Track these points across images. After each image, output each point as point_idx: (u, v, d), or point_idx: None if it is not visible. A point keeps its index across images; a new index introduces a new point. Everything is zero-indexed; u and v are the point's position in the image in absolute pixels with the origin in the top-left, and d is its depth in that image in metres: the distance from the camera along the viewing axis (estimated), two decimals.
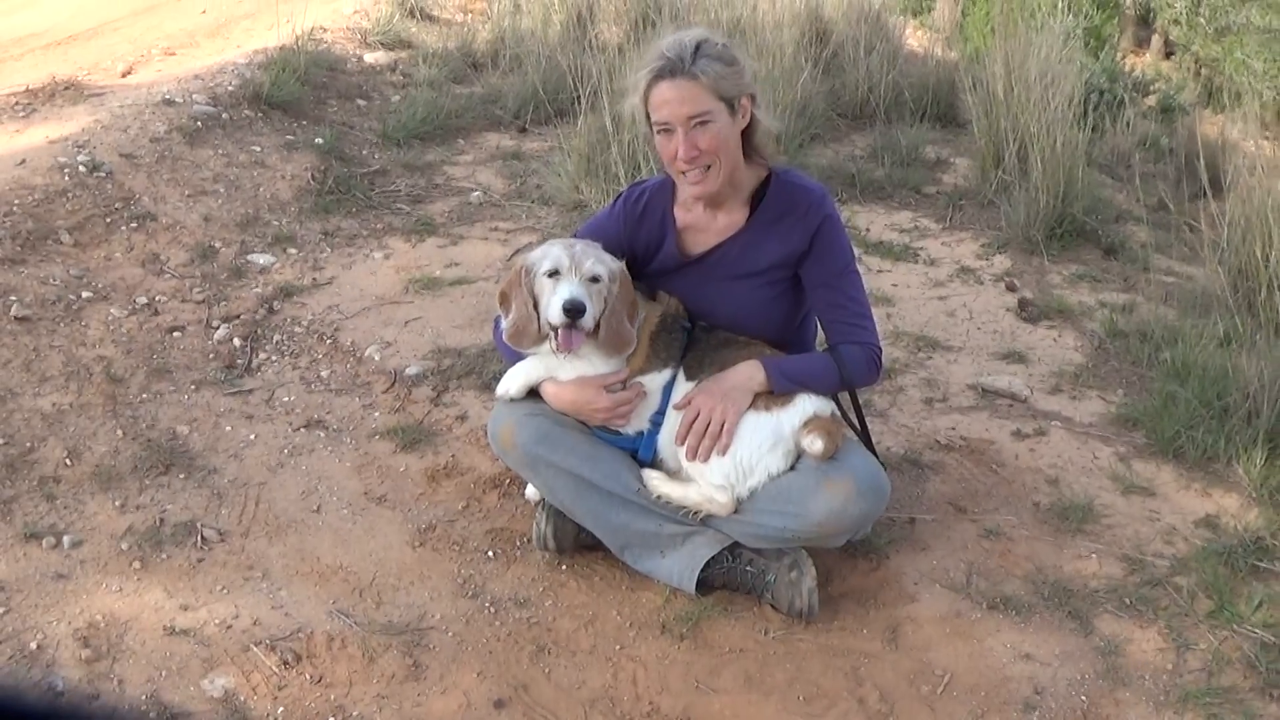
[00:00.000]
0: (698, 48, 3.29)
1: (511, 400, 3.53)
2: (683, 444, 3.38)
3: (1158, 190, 6.99)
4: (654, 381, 3.48)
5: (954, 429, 4.47)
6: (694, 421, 3.37)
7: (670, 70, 3.28)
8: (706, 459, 3.35)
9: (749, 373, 3.40)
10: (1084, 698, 3.19)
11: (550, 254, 3.36)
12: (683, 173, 3.36)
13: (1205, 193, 5.69)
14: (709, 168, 3.34)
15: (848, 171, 7.26)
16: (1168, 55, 14.88)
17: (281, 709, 3.02)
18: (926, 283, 5.84)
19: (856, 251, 5.96)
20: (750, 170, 3.50)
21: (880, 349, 3.54)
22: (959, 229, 6.63)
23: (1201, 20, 13.92)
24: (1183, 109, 10.59)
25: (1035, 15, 8.41)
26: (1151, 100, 10.90)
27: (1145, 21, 15.41)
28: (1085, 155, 6.86)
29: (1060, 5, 8.48)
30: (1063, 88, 6.59)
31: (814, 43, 8.77)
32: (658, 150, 3.44)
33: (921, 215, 6.83)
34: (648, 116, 3.39)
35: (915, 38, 11.45)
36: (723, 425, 3.34)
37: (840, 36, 9.13)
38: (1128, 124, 8.40)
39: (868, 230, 6.50)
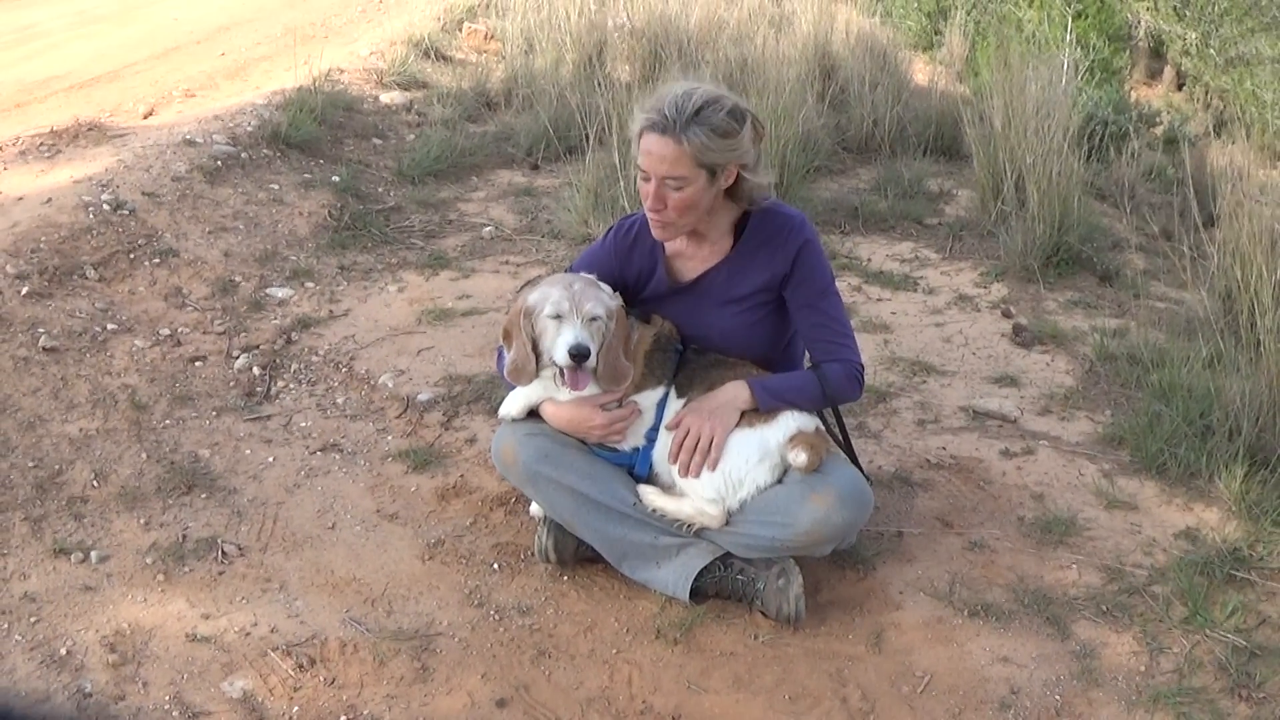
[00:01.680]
0: (698, 111, 3.37)
1: (513, 421, 3.72)
2: (675, 462, 3.56)
3: (1161, 219, 7.14)
4: (648, 399, 3.65)
5: (944, 448, 4.63)
6: (685, 440, 3.55)
7: (661, 127, 3.40)
8: (698, 474, 3.52)
9: (734, 392, 3.57)
10: (1058, 697, 3.34)
11: (551, 297, 3.52)
12: (650, 211, 3.53)
13: (1196, 222, 5.83)
14: (668, 223, 3.53)
15: (851, 204, 7.44)
16: (1180, 87, 14.95)
17: (296, 708, 3.19)
18: (924, 310, 6.01)
19: (857, 281, 6.19)
20: (734, 202, 3.67)
21: (862, 366, 3.71)
22: (958, 258, 6.80)
23: (1212, 51, 13.99)
24: (1188, 140, 10.70)
25: (1042, 49, 8.58)
26: (1159, 131, 11.03)
27: (1158, 54, 15.48)
28: (1084, 185, 7.02)
29: (1068, 39, 8.62)
30: (1059, 119, 6.76)
31: (820, 79, 8.96)
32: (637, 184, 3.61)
33: (922, 246, 7.00)
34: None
35: (923, 72, 11.61)
36: (711, 441, 3.51)
37: (847, 73, 9.33)
38: (1133, 155, 8.53)
39: (869, 260, 6.67)
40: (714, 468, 3.50)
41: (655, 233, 3.59)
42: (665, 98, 3.44)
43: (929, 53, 13.30)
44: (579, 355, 3.42)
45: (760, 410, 3.56)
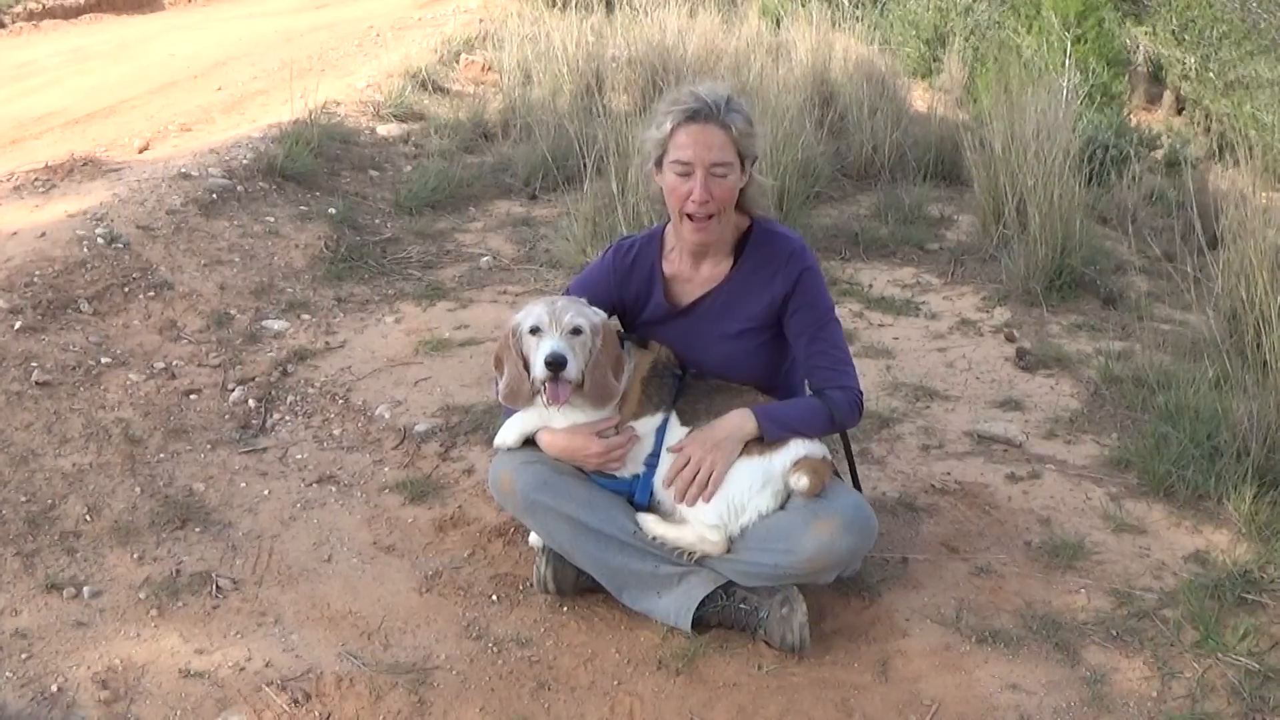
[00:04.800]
0: (728, 101, 3.46)
1: (510, 449, 3.67)
2: (670, 487, 3.52)
3: (1163, 242, 7.11)
4: (646, 426, 3.61)
5: (949, 474, 4.57)
6: (684, 467, 3.49)
7: (704, 115, 3.43)
8: (692, 504, 3.48)
9: (739, 422, 3.52)
10: None
11: (533, 313, 3.52)
12: (689, 215, 3.50)
13: (1200, 244, 5.80)
14: (711, 217, 3.49)
15: (851, 230, 7.42)
16: (1179, 111, 14.97)
17: None
18: (927, 335, 5.97)
19: (859, 307, 6.15)
20: (736, 220, 3.64)
21: (861, 392, 3.67)
22: (960, 283, 6.76)
23: (1211, 75, 14.02)
24: (1189, 163, 10.69)
25: (1041, 74, 8.56)
26: (1160, 155, 11.03)
27: (1157, 78, 15.52)
28: (1085, 208, 6.99)
29: (1067, 64, 8.61)
30: (1059, 143, 6.73)
31: (820, 106, 8.96)
32: (665, 189, 3.56)
33: (924, 271, 6.97)
34: (660, 156, 3.54)
35: (923, 99, 11.61)
36: (710, 475, 3.46)
37: (846, 100, 9.33)
38: (1134, 178, 8.51)
39: (870, 286, 6.64)
40: (709, 500, 3.46)
41: (695, 237, 3.56)
42: (697, 90, 3.49)
43: (928, 79, 13.34)
44: (555, 364, 3.38)
45: (766, 440, 3.51)
